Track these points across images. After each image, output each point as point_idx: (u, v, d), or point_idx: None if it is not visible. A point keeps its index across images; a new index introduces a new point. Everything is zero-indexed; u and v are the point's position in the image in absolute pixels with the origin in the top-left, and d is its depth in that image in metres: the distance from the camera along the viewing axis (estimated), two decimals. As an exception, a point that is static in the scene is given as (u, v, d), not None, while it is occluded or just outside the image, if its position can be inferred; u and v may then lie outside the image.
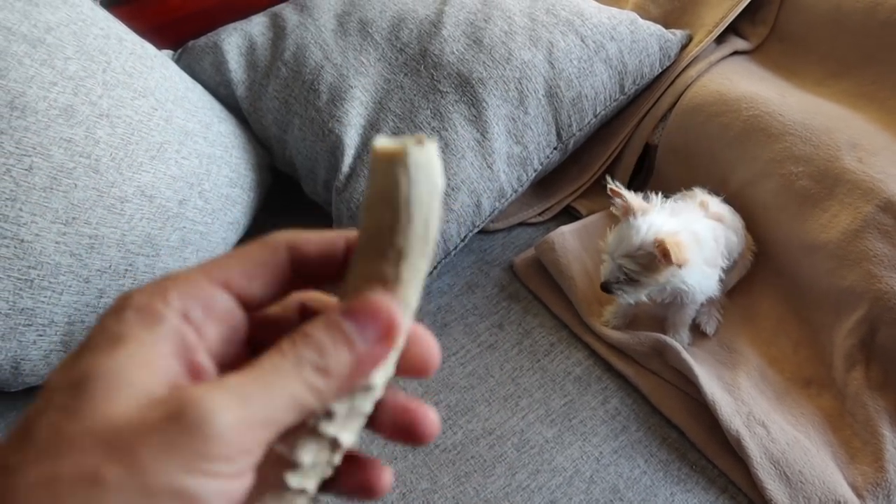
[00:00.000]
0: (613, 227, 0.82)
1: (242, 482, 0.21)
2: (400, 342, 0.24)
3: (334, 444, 0.24)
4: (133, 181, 0.78)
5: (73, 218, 0.73)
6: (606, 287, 0.81)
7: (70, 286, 0.74)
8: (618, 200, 0.80)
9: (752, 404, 0.80)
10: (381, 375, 0.24)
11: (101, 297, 0.76)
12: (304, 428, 0.23)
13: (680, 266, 0.74)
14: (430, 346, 0.25)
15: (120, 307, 0.22)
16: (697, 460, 0.78)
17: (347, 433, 0.24)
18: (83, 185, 0.74)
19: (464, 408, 0.83)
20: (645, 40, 1.01)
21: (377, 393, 0.25)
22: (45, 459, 0.19)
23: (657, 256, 0.74)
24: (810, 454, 0.76)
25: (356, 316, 0.23)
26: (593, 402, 0.84)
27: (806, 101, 0.96)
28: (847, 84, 0.99)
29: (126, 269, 0.78)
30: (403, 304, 0.23)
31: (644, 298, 0.80)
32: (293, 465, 0.23)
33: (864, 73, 0.98)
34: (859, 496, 0.73)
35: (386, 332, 0.23)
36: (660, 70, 1.03)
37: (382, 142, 0.23)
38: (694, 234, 0.79)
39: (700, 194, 0.89)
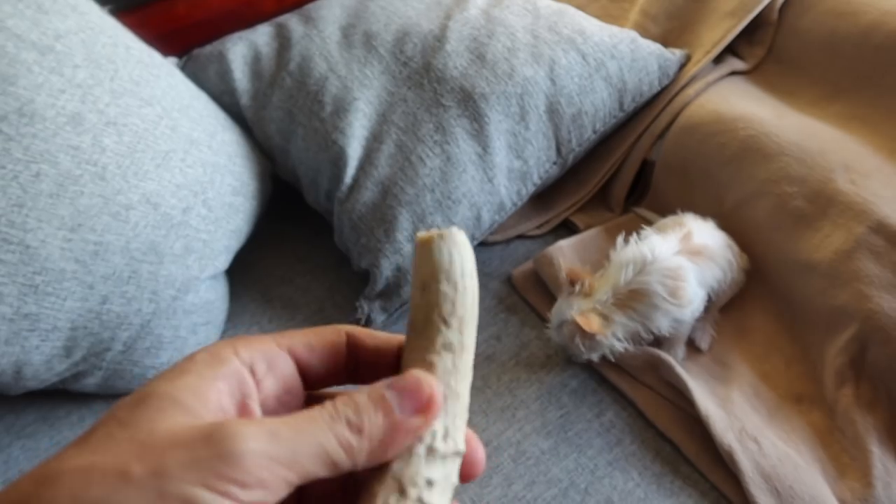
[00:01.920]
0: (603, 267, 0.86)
1: None
2: (465, 405, 0.26)
3: None
4: (138, 189, 0.79)
5: (79, 225, 0.74)
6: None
7: (74, 292, 0.75)
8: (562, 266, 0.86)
9: (744, 419, 0.81)
10: (462, 438, 0.26)
11: (105, 303, 0.77)
12: (407, 499, 0.24)
13: (595, 334, 0.80)
14: (479, 453, 0.27)
15: (196, 352, 0.25)
16: (690, 474, 0.80)
17: (442, 501, 0.25)
18: (89, 193, 0.75)
19: (461, 418, 0.84)
20: (645, 59, 1.02)
21: (461, 459, 0.26)
22: (87, 453, 0.21)
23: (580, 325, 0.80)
24: (801, 469, 0.78)
25: (397, 386, 0.24)
26: (589, 414, 0.85)
27: (801, 123, 0.98)
28: (841, 106, 1.01)
29: (130, 276, 0.78)
30: (469, 366, 0.26)
31: (608, 350, 0.84)
32: None
33: (858, 96, 1.00)
34: (848, 512, 0.75)
35: (425, 406, 0.24)
36: (659, 88, 1.05)
37: (422, 232, 0.26)
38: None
39: (689, 222, 0.89)
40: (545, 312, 0.95)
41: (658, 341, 0.87)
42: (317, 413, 0.23)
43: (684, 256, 0.84)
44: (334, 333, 0.27)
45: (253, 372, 0.25)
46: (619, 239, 0.88)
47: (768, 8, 1.08)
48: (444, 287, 0.25)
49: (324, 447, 0.22)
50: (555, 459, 0.80)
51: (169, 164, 0.82)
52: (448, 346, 0.25)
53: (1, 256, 0.70)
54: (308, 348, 0.26)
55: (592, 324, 0.80)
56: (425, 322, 0.25)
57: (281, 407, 0.26)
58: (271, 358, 0.25)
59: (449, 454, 0.25)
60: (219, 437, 0.21)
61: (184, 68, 1.04)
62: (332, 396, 0.27)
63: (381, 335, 0.28)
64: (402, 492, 0.24)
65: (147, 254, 0.79)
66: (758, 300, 0.95)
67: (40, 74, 0.74)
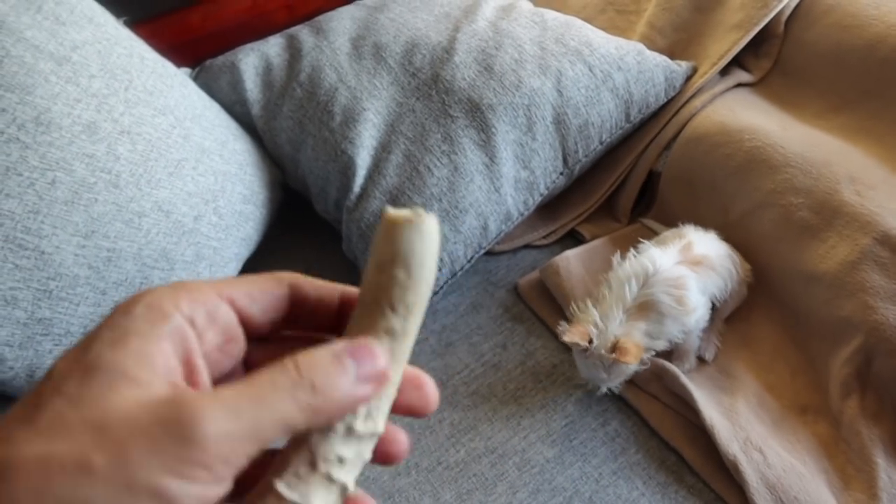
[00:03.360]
0: (581, 353, 0.83)
1: (219, 488, 0.22)
2: (393, 390, 0.26)
3: (343, 489, 0.25)
4: (151, 197, 0.80)
5: (93, 231, 0.76)
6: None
7: (87, 298, 0.76)
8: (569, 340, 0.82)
9: (749, 429, 0.81)
10: (383, 421, 0.26)
11: (117, 308, 0.78)
12: (316, 473, 0.24)
13: (639, 360, 0.80)
14: (430, 391, 0.28)
15: (132, 303, 0.24)
16: (695, 483, 0.80)
17: (353, 479, 0.26)
18: (103, 200, 0.76)
19: (467, 426, 0.85)
20: (651, 71, 1.03)
21: (377, 439, 0.26)
22: (42, 440, 0.20)
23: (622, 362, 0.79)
24: (805, 480, 0.78)
25: (355, 354, 0.24)
26: (594, 423, 0.85)
27: (807, 134, 0.98)
28: (846, 118, 1.02)
29: (141, 283, 0.80)
30: (406, 354, 0.26)
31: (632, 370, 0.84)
32: None
33: (863, 108, 1.01)
34: (853, 523, 0.75)
35: (378, 377, 0.25)
36: (665, 100, 1.06)
37: (392, 210, 0.25)
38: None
39: (690, 233, 0.89)
40: (551, 322, 0.95)
41: (668, 354, 0.88)
42: (279, 378, 0.23)
43: (685, 266, 0.85)
44: (276, 284, 0.27)
45: (194, 324, 0.24)
46: (615, 259, 0.88)
47: (774, 21, 1.09)
48: (400, 274, 0.25)
49: (285, 415, 0.22)
50: (559, 468, 0.81)
51: (181, 172, 0.84)
52: (390, 331, 0.25)
53: (16, 262, 0.71)
54: (249, 298, 0.26)
55: (633, 350, 0.78)
56: (373, 303, 0.25)
57: (224, 357, 0.26)
58: (212, 309, 0.25)
59: (366, 435, 0.25)
60: (179, 421, 0.21)
61: (196, 79, 1.06)
62: (281, 347, 0.27)
63: (325, 285, 0.28)
64: (312, 465, 0.24)
65: (158, 260, 0.81)
66: (763, 310, 0.95)
67: (57, 84, 0.75)
